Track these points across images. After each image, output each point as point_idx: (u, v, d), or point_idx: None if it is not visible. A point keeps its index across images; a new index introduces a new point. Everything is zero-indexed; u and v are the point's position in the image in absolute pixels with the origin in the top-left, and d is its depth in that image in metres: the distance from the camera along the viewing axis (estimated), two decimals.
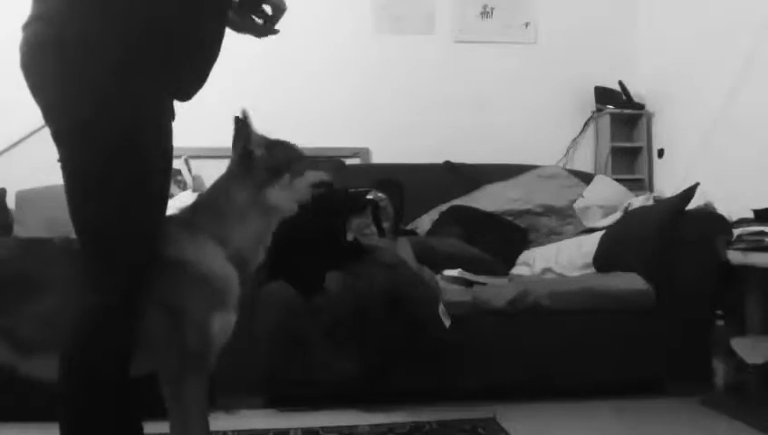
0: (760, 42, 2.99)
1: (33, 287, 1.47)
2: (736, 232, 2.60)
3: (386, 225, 2.92)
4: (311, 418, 2.34)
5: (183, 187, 3.44)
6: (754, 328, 2.55)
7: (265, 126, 4.36)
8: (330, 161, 1.79)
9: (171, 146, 1.47)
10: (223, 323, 1.54)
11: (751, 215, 2.67)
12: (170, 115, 1.48)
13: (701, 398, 2.52)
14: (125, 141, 1.34)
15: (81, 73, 1.33)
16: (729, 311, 2.56)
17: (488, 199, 3.53)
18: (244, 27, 1.71)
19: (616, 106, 3.91)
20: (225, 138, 4.16)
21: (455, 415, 2.35)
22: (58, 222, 3.30)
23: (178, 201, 3.19)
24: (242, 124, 1.64)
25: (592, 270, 2.95)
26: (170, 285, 1.47)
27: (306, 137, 3.68)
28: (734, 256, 2.52)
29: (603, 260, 2.92)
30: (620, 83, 3.92)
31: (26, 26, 1.41)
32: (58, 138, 1.41)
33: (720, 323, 2.54)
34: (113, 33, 1.33)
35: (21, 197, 3.40)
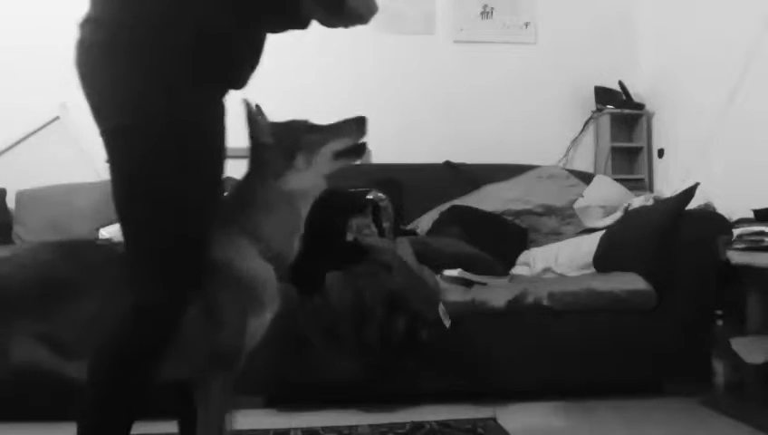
0: (760, 42, 2.99)
1: (75, 291, 1.44)
2: (736, 232, 2.60)
3: (386, 225, 2.92)
4: (311, 418, 2.34)
5: None
6: (754, 328, 2.55)
7: None
8: (348, 122, 1.65)
9: (221, 147, 1.46)
10: (257, 324, 1.53)
11: (751, 215, 2.67)
12: (220, 117, 1.47)
13: (701, 398, 2.52)
14: (171, 144, 1.35)
15: (129, 76, 1.34)
16: (729, 311, 2.56)
17: (488, 199, 3.53)
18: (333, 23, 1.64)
19: (616, 106, 3.91)
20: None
21: (455, 415, 2.35)
22: (58, 222, 3.31)
23: None
24: (249, 114, 1.59)
25: (592, 270, 2.95)
26: (206, 285, 1.46)
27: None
28: (734, 256, 2.52)
29: (603, 260, 2.92)
30: (620, 83, 3.92)
31: (82, 27, 1.41)
32: (106, 138, 1.42)
33: (720, 323, 2.54)
34: (163, 38, 1.35)
35: (21, 197, 3.40)
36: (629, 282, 2.64)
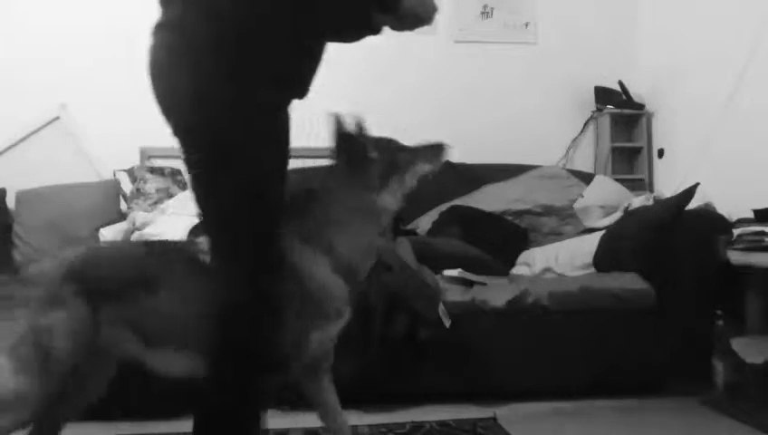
0: (760, 42, 2.99)
1: (155, 285, 1.53)
2: (736, 232, 2.60)
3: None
4: (311, 418, 2.34)
5: (183, 187, 3.44)
6: (754, 328, 2.55)
7: None
8: (431, 147, 1.68)
9: (287, 152, 1.47)
10: (321, 336, 1.53)
11: (751, 215, 2.67)
12: (286, 123, 1.48)
13: (701, 398, 2.52)
14: (240, 145, 1.38)
15: (200, 78, 1.37)
16: (729, 311, 2.56)
17: (488, 199, 3.53)
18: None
19: (616, 106, 3.91)
20: None
21: (455, 415, 2.35)
22: (58, 222, 3.31)
23: (179, 201, 3.20)
24: (341, 125, 1.59)
25: (592, 270, 2.95)
26: (276, 288, 1.46)
27: (306, 137, 3.70)
28: (734, 256, 2.52)
29: (603, 260, 2.92)
30: (620, 83, 3.92)
31: (154, 33, 1.45)
32: (179, 139, 1.45)
33: (720, 323, 2.54)
34: (234, 42, 1.37)
35: (21, 197, 3.40)
36: (629, 282, 2.64)
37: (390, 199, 1.58)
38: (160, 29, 1.43)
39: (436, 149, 1.67)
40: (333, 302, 1.53)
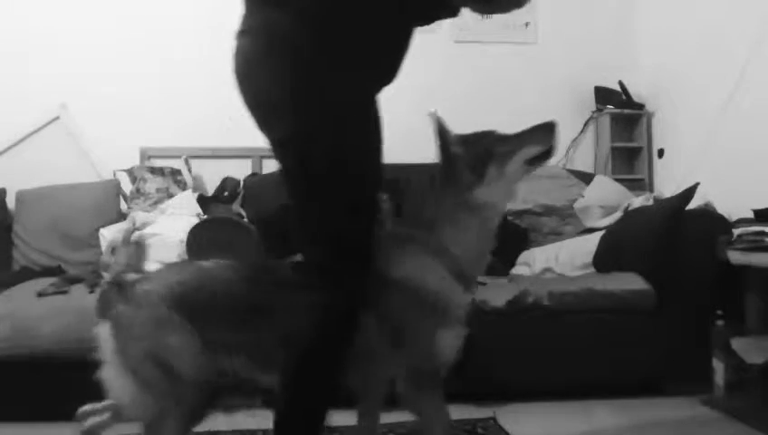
0: (760, 42, 2.99)
1: (265, 309, 1.52)
2: (736, 232, 2.60)
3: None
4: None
5: (183, 187, 3.44)
6: (754, 328, 2.55)
7: None
8: (538, 128, 1.60)
9: (380, 145, 1.48)
10: (449, 339, 1.52)
11: (751, 215, 2.67)
12: (377, 113, 1.48)
13: (701, 398, 2.52)
14: (331, 145, 1.37)
15: (285, 79, 1.37)
16: (729, 311, 2.56)
17: None
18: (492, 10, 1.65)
19: (616, 106, 3.91)
20: (224, 138, 4.16)
21: (455, 415, 2.33)
22: (58, 222, 3.31)
23: (178, 201, 3.20)
24: (439, 126, 1.56)
25: (592, 270, 2.95)
26: (392, 303, 1.48)
27: None
28: (734, 256, 2.52)
29: (603, 260, 2.92)
30: (620, 83, 3.92)
31: (238, 38, 1.46)
32: (271, 142, 1.45)
33: (720, 323, 2.54)
34: (319, 40, 1.37)
35: (21, 197, 3.40)
36: (629, 282, 2.64)
37: (489, 192, 1.53)
38: (245, 35, 1.44)
39: (546, 129, 1.59)
40: (450, 302, 1.51)
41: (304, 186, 1.42)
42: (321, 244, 1.43)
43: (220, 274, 1.57)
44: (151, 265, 2.63)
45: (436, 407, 1.55)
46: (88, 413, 1.70)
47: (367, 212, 1.45)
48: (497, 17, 3.98)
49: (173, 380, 1.47)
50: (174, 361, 1.48)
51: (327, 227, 1.41)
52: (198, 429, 1.60)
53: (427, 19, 1.57)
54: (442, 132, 1.55)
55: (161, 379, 1.47)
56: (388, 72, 1.51)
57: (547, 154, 1.59)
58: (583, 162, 4.01)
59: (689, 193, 2.71)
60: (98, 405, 1.68)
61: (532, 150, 1.57)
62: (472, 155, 1.54)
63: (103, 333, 1.55)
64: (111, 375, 1.52)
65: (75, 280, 2.89)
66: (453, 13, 1.58)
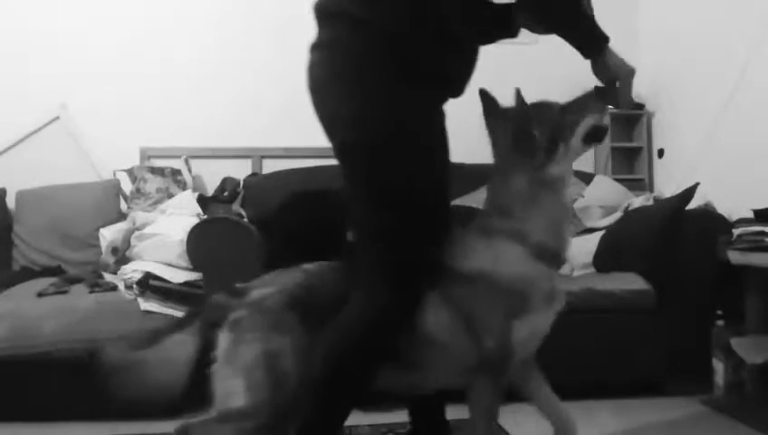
0: (760, 42, 2.99)
1: None
2: (736, 232, 2.60)
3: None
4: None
5: (183, 187, 3.44)
6: (754, 328, 2.55)
7: (267, 123, 4.35)
8: (587, 96, 1.66)
9: (446, 156, 1.56)
10: (530, 327, 1.53)
11: (751, 215, 2.67)
12: (443, 125, 1.55)
13: (701, 398, 2.52)
14: (398, 155, 1.42)
15: (355, 91, 1.42)
16: (729, 311, 2.56)
17: None
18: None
19: (616, 106, 3.90)
20: (224, 138, 4.16)
21: (454, 415, 2.34)
22: (58, 222, 3.31)
23: (178, 201, 3.20)
24: (518, 101, 1.58)
25: (592, 270, 2.95)
26: (468, 294, 1.48)
27: (307, 136, 3.69)
28: (734, 256, 2.52)
29: (603, 260, 2.92)
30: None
31: (311, 52, 1.51)
32: (337, 152, 1.50)
33: (720, 323, 2.54)
34: (390, 55, 1.42)
35: (21, 197, 3.40)
36: (629, 282, 2.64)
37: (560, 169, 1.53)
38: (317, 49, 1.49)
39: (588, 98, 1.66)
40: (532, 288, 1.50)
41: (359, 195, 1.47)
42: (375, 253, 1.47)
43: (325, 275, 1.61)
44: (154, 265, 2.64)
45: (488, 399, 1.54)
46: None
47: (430, 223, 1.48)
48: None
49: (281, 382, 1.50)
50: (280, 362, 1.51)
51: (381, 240, 1.46)
52: None
53: (491, 38, 1.67)
54: (522, 110, 1.56)
55: (271, 381, 1.50)
56: (455, 88, 1.58)
57: (600, 133, 1.64)
58: (583, 162, 3.99)
59: (689, 193, 2.71)
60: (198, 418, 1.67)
61: (590, 121, 1.61)
62: (547, 132, 1.53)
63: (221, 337, 1.57)
64: (224, 377, 1.53)
65: (75, 280, 2.89)
66: (513, 34, 1.67)
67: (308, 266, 1.64)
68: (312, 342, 1.52)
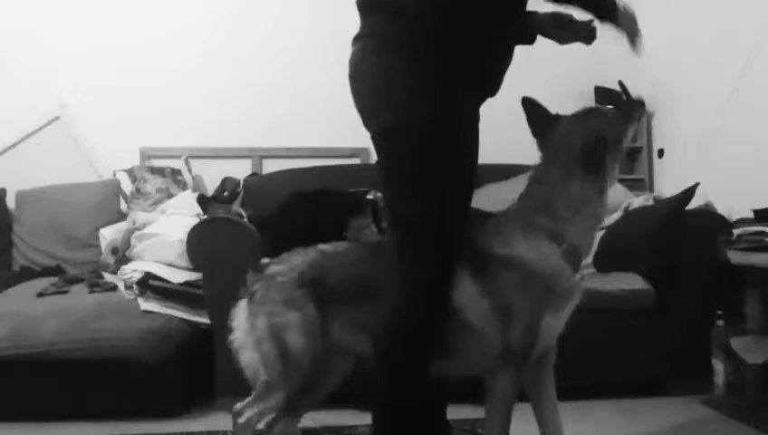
0: (760, 42, 2.99)
1: (378, 287, 1.59)
2: (736, 232, 2.60)
3: (386, 225, 2.92)
4: (311, 418, 2.34)
5: (183, 187, 3.44)
6: (754, 328, 2.55)
7: (267, 125, 4.35)
8: (627, 106, 1.78)
9: (476, 151, 1.63)
10: (552, 322, 1.56)
11: (751, 215, 2.67)
12: (477, 123, 1.60)
13: (701, 398, 2.52)
14: (436, 144, 1.46)
15: (401, 78, 1.45)
16: (729, 311, 2.56)
17: (488, 199, 3.52)
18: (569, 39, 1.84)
19: (616, 106, 3.90)
20: (224, 138, 4.16)
21: (455, 415, 2.34)
22: (58, 222, 3.31)
23: (178, 201, 3.20)
24: (536, 107, 1.71)
25: (592, 270, 2.95)
26: (503, 283, 1.51)
27: (306, 137, 3.70)
28: (734, 256, 2.52)
29: (603, 260, 2.91)
30: (620, 83, 3.89)
31: (354, 43, 1.53)
32: (376, 140, 1.54)
33: (720, 323, 2.54)
34: (429, 46, 1.44)
35: (21, 197, 3.40)
36: (629, 282, 2.64)
37: (611, 181, 1.59)
38: (360, 39, 1.51)
39: (634, 105, 1.77)
40: (561, 286, 1.54)
41: (395, 183, 1.51)
42: (409, 241, 1.51)
43: (341, 256, 1.69)
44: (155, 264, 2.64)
45: (508, 389, 1.61)
46: (241, 410, 1.76)
47: (456, 219, 1.55)
48: None
49: (289, 356, 1.60)
50: (286, 334, 1.60)
51: (416, 228, 1.49)
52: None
53: (522, 41, 1.72)
54: (601, 115, 1.65)
55: (279, 354, 1.60)
56: (491, 87, 1.63)
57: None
58: None
59: (689, 193, 2.71)
60: (248, 399, 1.76)
61: (631, 130, 1.69)
62: (604, 144, 1.57)
63: (240, 308, 1.70)
64: (242, 347, 1.67)
65: (75, 280, 2.89)
66: (531, 41, 1.77)
67: (325, 247, 1.72)
68: (323, 319, 1.60)
